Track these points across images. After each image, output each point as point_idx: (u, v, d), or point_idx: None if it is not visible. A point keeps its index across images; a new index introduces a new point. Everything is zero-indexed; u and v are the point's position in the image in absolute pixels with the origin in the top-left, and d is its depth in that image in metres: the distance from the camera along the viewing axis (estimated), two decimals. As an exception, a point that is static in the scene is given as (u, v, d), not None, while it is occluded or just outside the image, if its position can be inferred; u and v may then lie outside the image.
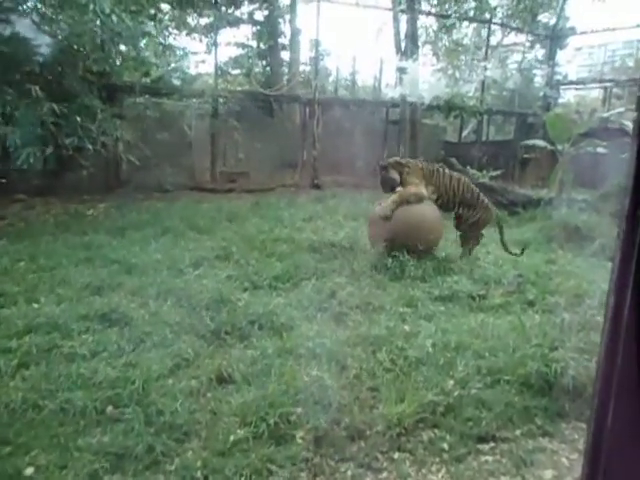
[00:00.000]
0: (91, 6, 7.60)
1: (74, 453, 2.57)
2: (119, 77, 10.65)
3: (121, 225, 7.35)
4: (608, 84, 16.13)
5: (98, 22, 8.55)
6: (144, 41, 11.01)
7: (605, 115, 10.17)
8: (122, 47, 10.40)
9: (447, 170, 6.43)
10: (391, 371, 3.42)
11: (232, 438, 2.71)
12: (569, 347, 3.65)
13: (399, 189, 6.02)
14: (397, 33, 10.32)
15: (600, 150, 9.53)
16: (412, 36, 9.46)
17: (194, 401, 3.04)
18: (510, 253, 6.24)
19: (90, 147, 8.04)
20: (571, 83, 17.44)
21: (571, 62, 18.06)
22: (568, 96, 18.25)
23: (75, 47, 8.93)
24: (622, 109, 9.93)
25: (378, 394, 3.18)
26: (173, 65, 12.47)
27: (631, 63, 18.46)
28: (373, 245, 6.08)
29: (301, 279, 5.33)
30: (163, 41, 12.14)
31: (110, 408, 2.91)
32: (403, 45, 10.48)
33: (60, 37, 8.61)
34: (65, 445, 2.62)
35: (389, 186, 6.18)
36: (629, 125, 9.40)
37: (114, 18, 7.90)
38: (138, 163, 9.24)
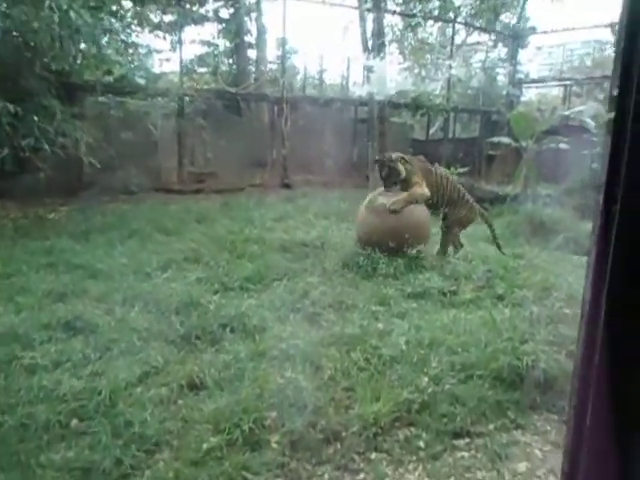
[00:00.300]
0: (47, 2, 7.30)
1: (36, 470, 2.44)
2: (79, 75, 10.28)
3: (85, 229, 7.10)
4: (568, 82, 16.65)
5: (56, 18, 8.22)
6: (105, 38, 10.66)
7: (566, 113, 10.47)
8: (82, 44, 10.04)
9: (440, 169, 6.44)
10: (366, 370, 3.40)
11: (205, 446, 2.63)
12: (539, 340, 3.72)
13: (411, 190, 5.97)
14: (364, 32, 10.34)
15: (562, 146, 9.82)
16: (379, 35, 9.50)
17: (164, 409, 2.94)
18: (503, 253, 6.31)
19: (48, 148, 7.71)
20: (533, 81, 17.91)
21: (532, 61, 18.56)
22: (530, 94, 18.75)
23: (32, 44, 8.56)
24: (583, 107, 10.26)
25: (353, 394, 3.16)
26: (136, 63, 12.14)
27: (589, 62, 19.11)
28: (363, 246, 5.95)
29: (273, 280, 5.27)
30: (125, 38, 11.77)
31: (75, 421, 2.78)
32: (370, 44, 10.51)
33: (15, 33, 8.23)
34: (26, 463, 2.48)
35: (392, 181, 6.08)
36: (589, 122, 9.73)
37: (72, 14, 7.59)
38: (99, 166, 8.90)
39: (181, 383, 3.18)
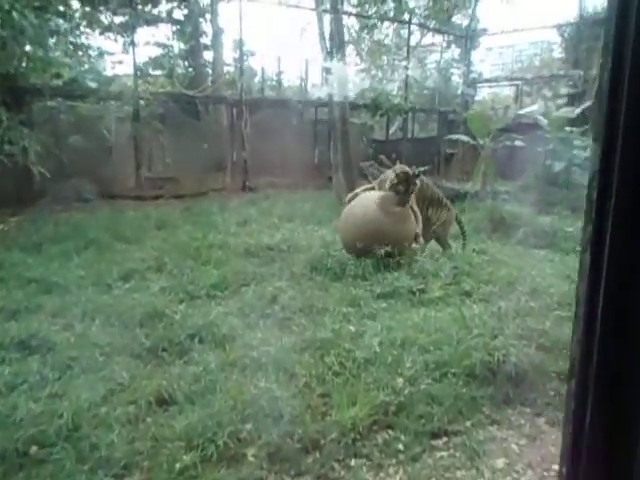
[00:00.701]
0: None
1: (-7, 505, 2.26)
2: (26, 79, 9.77)
3: (37, 240, 6.72)
4: (518, 82, 17.26)
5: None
6: (52, 40, 10.18)
7: (521, 112, 10.83)
8: (27, 46, 9.55)
9: (425, 180, 6.25)
10: (341, 375, 3.34)
11: (178, 466, 2.50)
12: (508, 334, 3.77)
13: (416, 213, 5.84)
14: (322, 33, 10.32)
15: (518, 144, 10.13)
16: (338, 36, 9.50)
17: (133, 429, 2.78)
18: (473, 250, 6.37)
19: (3, 158, 7.28)
20: (486, 81, 18.46)
21: (484, 61, 19.14)
22: (483, 94, 19.32)
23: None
24: (535, 106, 10.64)
25: (330, 400, 3.10)
26: (87, 66, 11.66)
27: (537, 62, 19.89)
28: (348, 250, 5.82)
29: (240, 285, 5.15)
30: (74, 40, 11.29)
31: (34, 448, 2.58)
32: (328, 45, 10.51)
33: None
34: (-19, 498, 2.29)
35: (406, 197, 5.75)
36: (542, 120, 10.08)
37: (15, 14, 7.17)
38: (48, 175, 8.48)
39: (149, 399, 3.03)
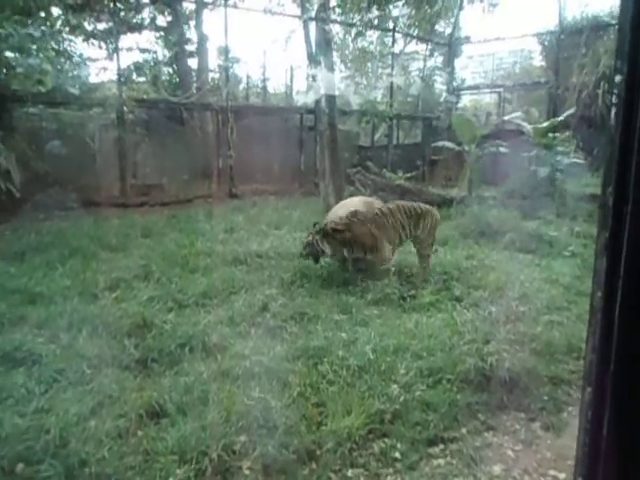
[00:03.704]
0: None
1: (-22, 527, 2.16)
2: (6, 86, 9.59)
3: (19, 249, 6.54)
4: (499, 89, 17.55)
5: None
6: (34, 47, 10.01)
7: (506, 118, 10.97)
8: (8, 53, 9.38)
9: (397, 203, 6.00)
10: (335, 383, 3.31)
11: (171, 480, 2.44)
12: (500, 339, 3.79)
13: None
14: (308, 40, 10.35)
15: (502, 150, 10.26)
16: (325, 43, 9.53)
17: (123, 443, 2.71)
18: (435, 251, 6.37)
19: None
20: (468, 88, 18.72)
21: (466, 69, 19.42)
22: (465, 101, 19.60)
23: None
24: (518, 113, 10.80)
25: (324, 409, 3.06)
26: (70, 73, 11.50)
27: (517, 70, 20.27)
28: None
29: (230, 293, 5.08)
30: (56, 47, 11.13)
31: (21, 466, 2.48)
32: (314, 52, 10.53)
33: None
34: (-35, 519, 2.20)
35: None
36: (526, 126, 10.23)
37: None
38: (18, 194, 8.29)
39: (140, 412, 2.95)
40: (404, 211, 5.76)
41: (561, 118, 10.36)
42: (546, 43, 16.64)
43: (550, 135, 10.13)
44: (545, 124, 10.17)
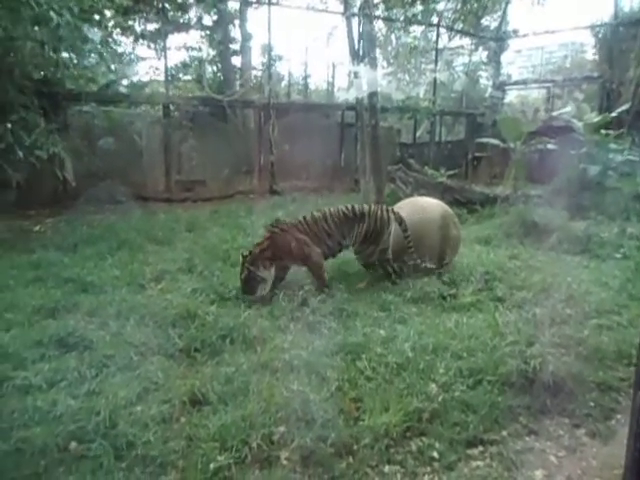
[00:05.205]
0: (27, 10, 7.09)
1: (35, 500, 2.31)
2: (62, 84, 10.08)
3: (72, 241, 6.88)
4: (548, 84, 16.91)
5: (36, 27, 8.03)
6: (87, 47, 10.48)
7: (555, 113, 10.58)
8: (64, 53, 9.85)
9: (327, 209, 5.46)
10: (373, 379, 3.32)
11: (212, 466, 2.52)
12: (544, 342, 3.68)
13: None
14: (351, 37, 10.32)
15: (550, 147, 9.89)
16: (368, 39, 9.48)
17: (167, 428, 2.82)
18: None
19: (34, 161, 7.50)
20: (515, 84, 18.14)
21: (513, 63, 18.81)
22: (511, 96, 19.00)
23: (11, 53, 8.34)
24: (568, 108, 10.38)
25: (362, 404, 3.07)
26: (121, 72, 11.96)
27: (568, 64, 19.46)
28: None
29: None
30: (110, 47, 11.61)
31: (74, 444, 2.64)
32: (357, 48, 10.50)
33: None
34: (24, 491, 2.35)
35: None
36: (576, 122, 9.83)
37: (52, 16, 7.29)
38: (73, 183, 8.71)
39: (183, 399, 3.06)
40: (336, 216, 5.31)
41: (614, 114, 9.88)
42: (600, 35, 15.89)
43: (602, 131, 9.68)
44: (597, 119, 9.74)
